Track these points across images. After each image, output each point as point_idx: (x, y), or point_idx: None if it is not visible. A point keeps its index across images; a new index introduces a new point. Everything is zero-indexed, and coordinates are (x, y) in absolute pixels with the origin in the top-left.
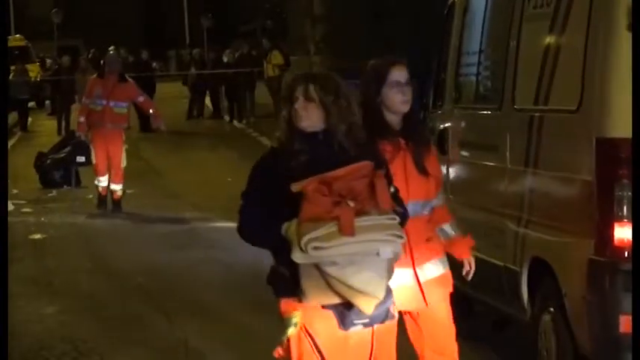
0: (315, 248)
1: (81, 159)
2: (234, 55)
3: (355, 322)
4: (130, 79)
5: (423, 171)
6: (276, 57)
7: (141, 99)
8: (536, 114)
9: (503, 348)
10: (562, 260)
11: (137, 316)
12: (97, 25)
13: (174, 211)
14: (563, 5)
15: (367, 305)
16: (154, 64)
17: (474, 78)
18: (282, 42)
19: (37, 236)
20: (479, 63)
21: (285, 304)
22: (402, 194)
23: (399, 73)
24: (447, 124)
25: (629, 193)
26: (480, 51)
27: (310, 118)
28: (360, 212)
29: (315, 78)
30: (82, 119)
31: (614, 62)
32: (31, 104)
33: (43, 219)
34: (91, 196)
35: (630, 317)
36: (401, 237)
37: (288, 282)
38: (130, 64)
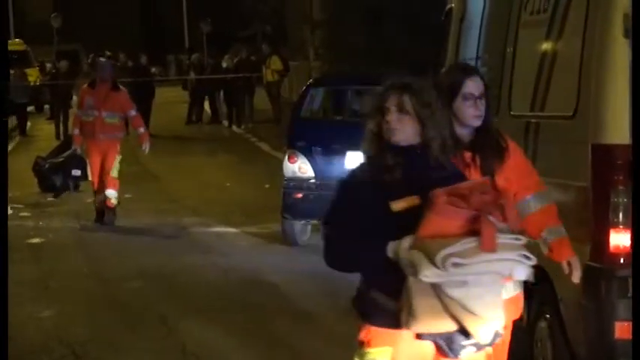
0: (455, 265)
1: (76, 172)
2: (233, 60)
3: (464, 343)
4: (122, 88)
5: None
6: (276, 62)
7: (132, 113)
8: (533, 120)
9: None
10: (558, 266)
11: (134, 320)
12: (96, 30)
13: (173, 216)
14: (560, 12)
15: (485, 333)
16: (153, 69)
17: None
18: (281, 47)
19: (35, 240)
20: None
21: (375, 333)
22: None
23: (473, 85)
24: None
25: (625, 200)
26: (477, 57)
27: (405, 132)
28: None
29: (410, 88)
30: (77, 131)
31: (610, 68)
32: (30, 108)
33: (41, 223)
34: (89, 200)
35: (625, 323)
36: (531, 259)
37: (384, 309)
38: (129, 68)
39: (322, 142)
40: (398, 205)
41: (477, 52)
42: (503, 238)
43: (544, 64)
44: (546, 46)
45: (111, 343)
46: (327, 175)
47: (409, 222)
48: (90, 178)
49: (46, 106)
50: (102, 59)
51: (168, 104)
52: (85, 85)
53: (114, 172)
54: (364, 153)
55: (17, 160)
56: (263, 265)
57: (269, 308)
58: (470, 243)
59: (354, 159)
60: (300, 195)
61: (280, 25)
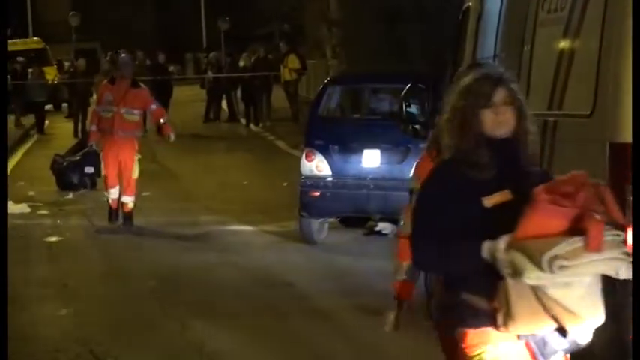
0: (561, 267)
1: (89, 170)
2: (251, 59)
3: (556, 347)
4: (143, 85)
5: None
6: (293, 61)
7: (153, 107)
8: (550, 119)
9: None
10: None
11: (151, 319)
12: (113, 28)
13: (189, 215)
14: (577, 10)
15: (585, 333)
16: (171, 68)
17: None
18: (298, 46)
19: (53, 239)
20: None
21: (473, 335)
22: None
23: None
24: None
25: None
26: (494, 56)
27: (509, 125)
28: None
29: (510, 79)
30: (94, 128)
31: (627, 67)
32: (48, 107)
33: (59, 222)
34: (106, 199)
35: None
36: (629, 255)
37: (478, 308)
38: (146, 67)
39: (339, 140)
40: (490, 201)
41: (495, 51)
42: (606, 236)
43: (561, 63)
44: (564, 44)
45: (128, 342)
46: (344, 173)
47: (502, 218)
48: (103, 174)
49: (65, 105)
50: (124, 56)
51: (186, 102)
52: (105, 81)
53: (134, 174)
54: (451, 149)
55: (35, 159)
56: (280, 263)
57: (286, 307)
58: (575, 243)
59: (370, 157)
60: (317, 193)
61: (297, 23)
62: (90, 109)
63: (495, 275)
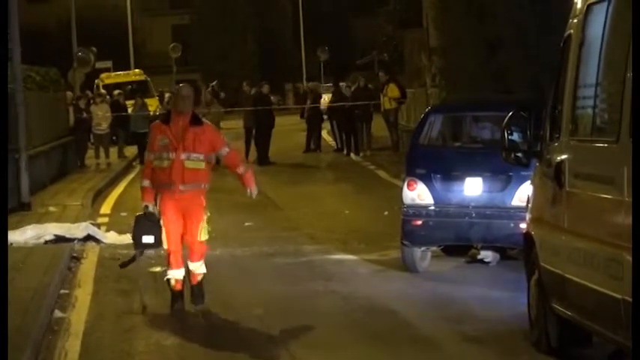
0: None
1: (149, 239)
2: (351, 88)
3: None
4: (206, 122)
5: None
6: (393, 90)
7: (225, 150)
8: None
9: None
10: None
11: (258, 349)
12: (213, 59)
13: (292, 244)
14: None
15: None
16: (273, 98)
17: (590, 110)
18: (398, 75)
19: (157, 269)
20: (595, 95)
21: None
22: None
23: None
24: (563, 157)
25: None
26: (597, 83)
27: None
28: None
29: None
30: (147, 183)
31: None
32: None
33: (162, 252)
34: (167, 279)
35: None
36: None
37: None
38: (251, 97)
39: (441, 168)
40: None
41: (597, 78)
42: None
43: None
44: None
45: None
46: (447, 201)
47: None
48: (165, 246)
49: None
50: (182, 86)
51: (286, 132)
52: (157, 121)
53: (202, 236)
54: None
55: (138, 190)
56: (384, 292)
57: (391, 335)
58: None
59: (472, 185)
60: (419, 222)
61: (397, 52)
62: None
63: None
